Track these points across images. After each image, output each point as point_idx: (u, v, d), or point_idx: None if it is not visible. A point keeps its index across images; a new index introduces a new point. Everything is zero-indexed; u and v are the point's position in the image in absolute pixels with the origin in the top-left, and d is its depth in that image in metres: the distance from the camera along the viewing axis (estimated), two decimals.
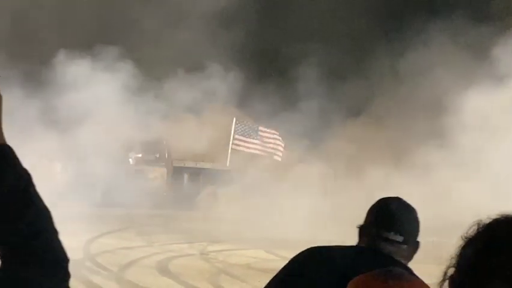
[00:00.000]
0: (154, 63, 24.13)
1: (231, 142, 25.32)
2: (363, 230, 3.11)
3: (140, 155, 27.24)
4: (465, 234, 1.80)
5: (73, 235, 17.02)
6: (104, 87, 22.98)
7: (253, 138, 25.22)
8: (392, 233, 3.00)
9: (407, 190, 19.42)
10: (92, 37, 23.25)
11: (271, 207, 20.92)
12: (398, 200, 3.11)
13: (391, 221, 3.01)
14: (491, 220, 1.77)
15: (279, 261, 16.72)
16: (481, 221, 1.78)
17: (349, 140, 24.50)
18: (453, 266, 1.81)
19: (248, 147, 25.27)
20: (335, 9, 26.30)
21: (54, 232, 1.70)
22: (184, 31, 24.70)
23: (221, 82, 25.67)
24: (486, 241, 1.75)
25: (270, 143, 25.29)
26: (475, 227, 1.79)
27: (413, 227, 3.07)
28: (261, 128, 25.47)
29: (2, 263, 1.66)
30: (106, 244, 17.31)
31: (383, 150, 23.04)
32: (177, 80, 25.29)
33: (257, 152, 25.23)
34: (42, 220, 1.68)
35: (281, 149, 25.26)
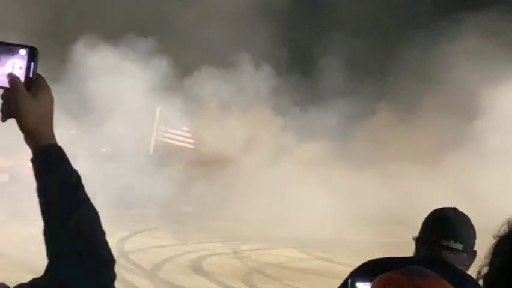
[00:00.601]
0: (185, 58, 24.09)
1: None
2: (420, 240, 3.15)
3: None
4: (497, 233, 1.81)
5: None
6: (132, 80, 22.89)
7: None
8: (452, 241, 3.04)
9: (437, 191, 19.34)
10: (124, 28, 23.20)
11: (297, 206, 20.86)
12: (454, 210, 3.17)
13: (451, 230, 3.06)
14: None
15: (312, 260, 16.69)
16: (511, 219, 1.80)
17: (375, 139, 24.31)
18: (487, 265, 1.82)
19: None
20: (362, 2, 26.14)
21: (102, 233, 1.70)
22: (215, 27, 24.66)
23: (251, 78, 25.52)
24: None
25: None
26: (506, 226, 1.81)
27: (470, 235, 3.12)
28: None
29: (49, 263, 1.67)
30: (138, 243, 17.38)
31: (411, 150, 22.86)
32: (207, 76, 25.20)
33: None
34: (90, 221, 1.68)
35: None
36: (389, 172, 22.26)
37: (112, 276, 1.71)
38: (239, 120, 24.77)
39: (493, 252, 1.82)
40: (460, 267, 3.01)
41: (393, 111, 25.40)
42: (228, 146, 24.02)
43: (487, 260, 1.83)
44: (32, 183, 1.71)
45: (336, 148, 24.20)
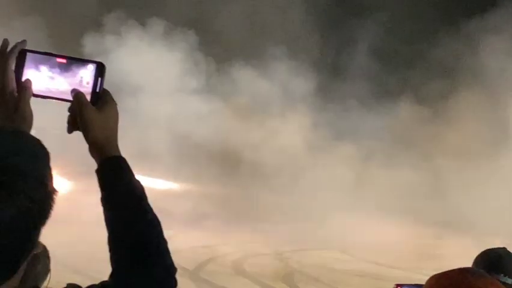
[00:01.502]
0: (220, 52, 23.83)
1: None
2: None
3: None
4: None
5: None
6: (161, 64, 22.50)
7: None
8: (501, 275, 3.18)
9: (488, 190, 19.08)
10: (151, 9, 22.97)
11: (339, 207, 20.77)
12: (503, 248, 3.39)
13: (500, 265, 3.22)
14: None
15: (354, 262, 16.61)
16: None
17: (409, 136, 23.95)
18: None
19: None
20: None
21: (165, 241, 1.79)
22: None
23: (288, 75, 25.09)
24: None
25: None
26: None
27: None
28: None
29: (114, 271, 1.73)
30: (180, 242, 17.46)
31: (451, 148, 22.58)
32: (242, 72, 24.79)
33: None
34: (154, 230, 1.76)
35: None
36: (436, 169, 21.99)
37: (175, 284, 1.78)
38: (280, 120, 24.59)
39: None
40: None
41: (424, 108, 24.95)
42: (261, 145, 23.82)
43: None
44: None
45: (373, 147, 23.98)
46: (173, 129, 21.98)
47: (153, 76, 22.13)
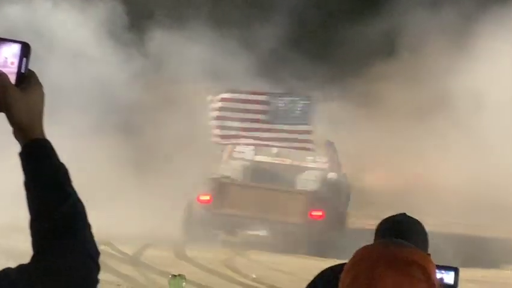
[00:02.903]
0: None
1: None
2: None
3: None
4: None
5: None
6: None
7: None
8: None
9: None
10: None
11: None
12: (403, 214, 3.36)
13: (399, 232, 3.14)
14: None
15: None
16: None
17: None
18: None
19: None
20: None
21: (88, 226, 1.75)
22: None
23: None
24: None
25: None
26: None
27: (421, 237, 3.25)
28: None
29: (35, 254, 1.71)
30: (120, 227, 17.35)
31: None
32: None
33: None
34: (77, 213, 1.73)
35: None
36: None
37: (97, 268, 1.76)
38: None
39: None
40: None
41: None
42: None
43: None
44: None
45: None
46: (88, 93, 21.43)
47: (67, 39, 21.58)
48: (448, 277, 2.84)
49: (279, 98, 17.37)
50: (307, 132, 16.90)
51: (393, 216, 3.36)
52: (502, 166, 18.52)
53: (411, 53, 22.78)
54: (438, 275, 2.56)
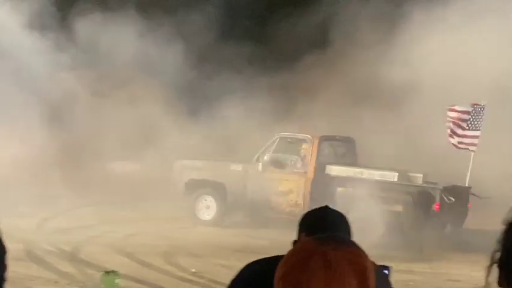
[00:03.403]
0: None
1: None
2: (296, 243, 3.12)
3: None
4: (506, 220, 1.94)
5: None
6: None
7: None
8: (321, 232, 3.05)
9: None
10: None
11: None
12: (326, 208, 3.29)
13: (325, 226, 3.12)
14: None
15: (230, 236, 16.74)
16: None
17: None
18: (499, 250, 1.93)
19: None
20: None
21: None
22: None
23: None
24: None
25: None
26: None
27: (346, 230, 3.19)
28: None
29: None
30: (58, 223, 17.18)
31: None
32: None
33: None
34: None
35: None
36: None
37: (2, 267, 1.71)
38: None
39: (504, 237, 1.93)
40: None
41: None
42: None
43: (499, 246, 1.93)
44: None
45: None
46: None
47: None
48: None
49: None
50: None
51: (317, 210, 3.31)
52: (430, 149, 18.85)
53: (343, 43, 22.92)
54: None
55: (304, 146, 18.17)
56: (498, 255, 1.93)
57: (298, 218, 3.31)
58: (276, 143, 18.16)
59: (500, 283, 1.92)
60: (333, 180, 17.39)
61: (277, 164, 17.97)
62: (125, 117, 21.89)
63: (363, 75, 22.19)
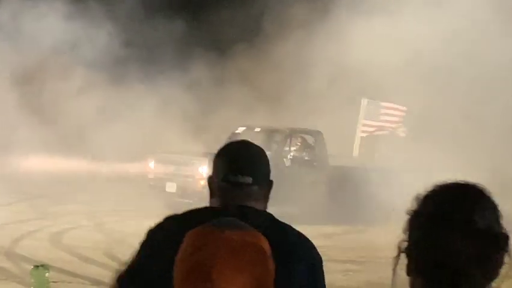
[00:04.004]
0: None
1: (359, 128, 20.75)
2: (209, 179, 2.94)
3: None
4: (409, 210, 1.99)
5: None
6: None
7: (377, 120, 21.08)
8: (239, 176, 2.86)
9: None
10: None
11: None
12: (241, 141, 3.07)
13: (237, 163, 2.89)
14: (428, 191, 1.99)
15: None
16: (419, 194, 1.99)
17: None
18: (405, 240, 1.99)
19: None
20: None
21: None
22: None
23: None
24: (434, 207, 1.95)
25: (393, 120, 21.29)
26: (415, 201, 1.99)
27: (261, 166, 2.94)
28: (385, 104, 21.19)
29: None
30: None
31: None
32: None
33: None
34: None
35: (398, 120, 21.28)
36: None
37: None
38: None
39: (409, 227, 1.99)
40: (253, 202, 2.83)
41: None
42: None
43: (405, 235, 1.99)
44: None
45: None
46: None
47: None
48: None
49: None
50: None
51: (233, 150, 2.98)
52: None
53: (274, 35, 23.01)
54: None
55: (277, 138, 18.54)
56: (405, 244, 1.99)
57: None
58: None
59: (408, 272, 1.98)
60: None
61: None
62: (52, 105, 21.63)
63: (295, 63, 22.38)
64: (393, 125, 21.24)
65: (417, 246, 1.96)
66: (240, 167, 2.88)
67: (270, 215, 2.82)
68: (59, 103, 22.13)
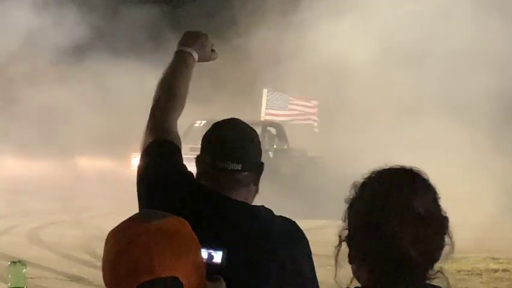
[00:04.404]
0: None
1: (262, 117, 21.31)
2: (196, 160, 2.86)
3: None
4: (346, 198, 1.99)
5: None
6: None
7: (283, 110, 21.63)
8: (228, 162, 2.77)
9: None
10: None
11: None
12: (230, 123, 2.89)
13: (225, 149, 2.79)
14: (365, 177, 1.99)
15: None
16: (356, 181, 1.99)
17: None
18: (346, 228, 2.00)
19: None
20: None
21: None
22: None
23: None
24: (372, 192, 1.95)
25: (303, 112, 21.92)
26: (353, 189, 1.99)
27: (250, 151, 2.83)
28: (291, 97, 21.89)
29: None
30: None
31: None
32: None
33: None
34: None
35: (315, 116, 21.90)
36: None
37: None
38: None
39: (348, 215, 1.99)
40: (244, 188, 2.78)
41: None
42: None
43: (345, 224, 1.99)
44: None
45: None
46: None
47: None
48: (217, 256, 2.57)
49: None
50: None
51: (219, 125, 2.88)
52: None
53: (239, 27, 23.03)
54: (205, 254, 2.44)
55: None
56: (345, 233, 1.99)
57: None
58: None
59: (350, 260, 1.99)
60: None
61: None
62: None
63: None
64: (304, 117, 21.81)
65: (356, 234, 1.96)
66: (229, 153, 2.79)
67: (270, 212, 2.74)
68: (31, 95, 21.98)
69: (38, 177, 21.91)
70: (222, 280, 2.21)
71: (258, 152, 2.87)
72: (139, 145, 2.98)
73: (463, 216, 13.51)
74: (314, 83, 20.62)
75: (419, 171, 1.99)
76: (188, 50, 3.15)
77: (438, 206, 1.98)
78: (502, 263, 11.37)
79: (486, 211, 15.03)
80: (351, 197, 1.99)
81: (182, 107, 3.10)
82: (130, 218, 1.95)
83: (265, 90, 21.71)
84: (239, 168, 2.78)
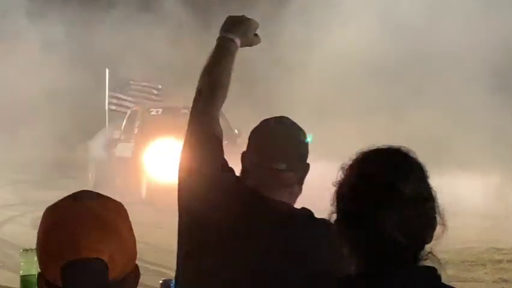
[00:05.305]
0: None
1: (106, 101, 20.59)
2: (242, 157, 2.87)
3: None
4: (334, 181, 1.97)
5: None
6: None
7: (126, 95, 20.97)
8: (274, 162, 2.77)
9: None
10: None
11: None
12: (277, 121, 2.88)
13: (273, 147, 2.80)
14: (351, 160, 1.96)
15: (155, 212, 16.63)
16: (343, 163, 1.96)
17: None
18: (334, 212, 1.97)
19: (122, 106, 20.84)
20: None
21: None
22: None
23: None
24: (357, 175, 1.93)
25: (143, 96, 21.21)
26: (340, 172, 1.96)
27: (295, 149, 2.83)
28: (132, 81, 21.16)
29: None
30: None
31: None
32: None
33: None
34: None
35: (155, 98, 21.19)
36: None
37: None
38: None
39: (336, 198, 1.96)
40: (287, 188, 2.78)
41: None
42: None
43: (333, 207, 1.97)
44: None
45: None
46: None
47: None
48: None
49: None
50: None
51: (269, 132, 2.86)
52: None
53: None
54: None
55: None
56: (334, 217, 1.97)
57: None
58: None
59: (340, 246, 1.97)
60: None
61: None
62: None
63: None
64: (145, 102, 20.70)
65: (344, 218, 1.95)
66: (275, 152, 2.79)
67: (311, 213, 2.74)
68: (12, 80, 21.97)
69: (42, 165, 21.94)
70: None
71: (305, 152, 2.86)
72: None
73: (468, 205, 13.64)
74: None
75: (407, 150, 1.96)
76: (231, 36, 3.06)
77: (427, 185, 1.94)
78: (506, 253, 11.36)
79: (491, 200, 15.01)
80: (339, 179, 1.97)
81: (225, 96, 3.04)
82: (67, 196, 1.95)
83: (107, 71, 20.43)
84: (284, 168, 2.77)
